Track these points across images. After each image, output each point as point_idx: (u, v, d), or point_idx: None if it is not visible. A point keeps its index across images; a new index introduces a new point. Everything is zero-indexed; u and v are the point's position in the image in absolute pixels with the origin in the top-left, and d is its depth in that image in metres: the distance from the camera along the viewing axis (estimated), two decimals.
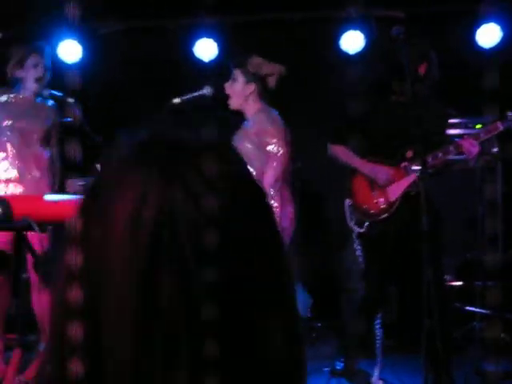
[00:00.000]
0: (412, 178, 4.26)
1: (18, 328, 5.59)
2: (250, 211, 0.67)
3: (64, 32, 5.95)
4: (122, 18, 6.33)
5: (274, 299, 0.65)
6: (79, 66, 6.00)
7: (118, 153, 0.69)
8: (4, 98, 4.73)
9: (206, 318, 0.59)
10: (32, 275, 4.61)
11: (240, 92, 4.41)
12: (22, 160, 4.65)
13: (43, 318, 4.70)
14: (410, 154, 4.27)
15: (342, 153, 4.52)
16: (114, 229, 0.63)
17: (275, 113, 4.39)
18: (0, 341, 4.74)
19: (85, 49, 6.08)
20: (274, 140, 4.25)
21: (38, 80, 4.66)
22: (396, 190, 4.32)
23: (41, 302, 4.68)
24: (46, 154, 4.77)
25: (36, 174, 4.67)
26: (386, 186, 4.35)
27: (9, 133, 4.66)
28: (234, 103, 4.46)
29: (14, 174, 4.65)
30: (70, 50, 5.98)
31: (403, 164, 4.33)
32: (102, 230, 0.64)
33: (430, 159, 4.10)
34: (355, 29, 5.90)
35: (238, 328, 0.62)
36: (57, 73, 4.96)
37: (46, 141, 4.76)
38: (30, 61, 4.65)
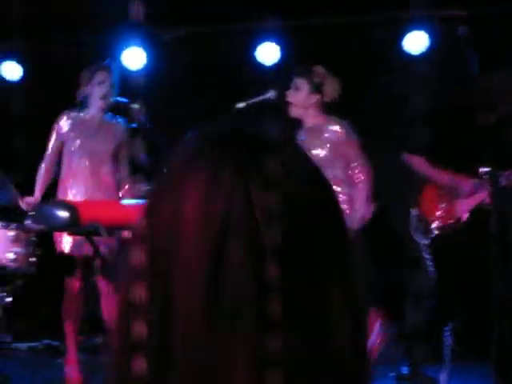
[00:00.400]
0: (484, 194, 4.18)
1: (85, 330, 5.73)
2: (318, 205, 0.68)
3: (128, 39, 6.05)
4: (184, 24, 6.39)
5: (336, 269, 0.67)
6: (144, 72, 6.10)
7: (189, 143, 0.71)
8: (73, 118, 4.76)
9: (271, 279, 0.61)
10: (100, 279, 4.68)
11: (303, 101, 4.44)
12: (93, 182, 4.69)
13: (111, 321, 4.77)
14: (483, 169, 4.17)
15: (419, 163, 4.50)
16: (186, 210, 0.64)
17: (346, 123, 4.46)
18: (73, 348, 4.78)
19: (149, 55, 6.16)
20: (355, 151, 4.35)
21: (103, 97, 4.68)
22: (465, 205, 4.28)
23: (109, 305, 4.74)
24: (114, 174, 4.79)
25: (106, 195, 4.70)
26: (461, 198, 4.31)
27: (78, 154, 4.70)
28: (295, 112, 4.49)
29: (81, 195, 4.69)
30: (134, 57, 6.08)
31: (477, 178, 4.25)
32: (173, 213, 0.65)
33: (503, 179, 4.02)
34: (419, 29, 5.83)
35: (302, 290, 0.64)
36: (122, 79, 5.03)
37: (114, 159, 4.80)
38: (97, 78, 4.67)
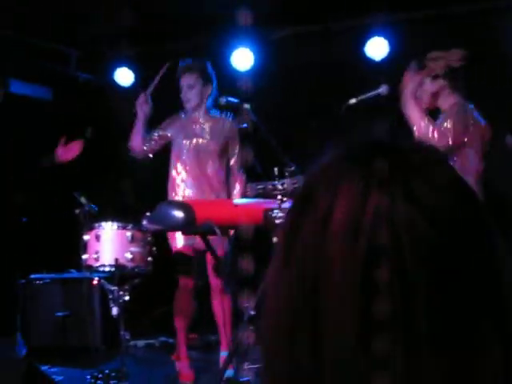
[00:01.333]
0: None
1: (199, 328, 5.82)
2: (467, 219, 0.65)
3: (237, 40, 6.11)
4: (291, 23, 6.38)
5: (487, 302, 0.63)
6: (252, 72, 6.13)
7: (335, 154, 0.70)
8: (179, 117, 4.87)
9: (417, 300, 0.60)
10: (212, 278, 4.74)
11: (429, 90, 4.27)
12: (199, 180, 4.77)
13: (224, 320, 4.82)
14: None
15: None
16: (332, 227, 0.63)
17: (470, 106, 4.19)
18: (184, 344, 4.88)
19: (256, 55, 6.20)
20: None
21: (186, 101, 4.77)
22: None
23: (221, 304, 4.79)
24: (221, 170, 4.84)
25: (211, 195, 4.77)
26: None
27: (185, 151, 4.78)
28: (426, 103, 4.33)
29: (190, 194, 4.77)
30: (242, 58, 6.13)
31: None
32: (319, 228, 0.64)
33: None
34: None
35: (452, 314, 0.61)
36: (230, 80, 5.07)
37: (222, 155, 4.85)
38: (181, 81, 4.75)
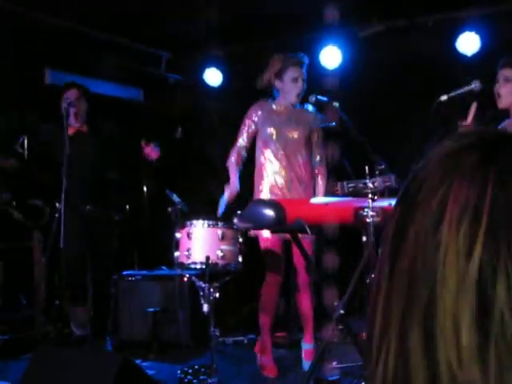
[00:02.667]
0: None
1: (287, 327, 5.83)
2: None
3: (324, 38, 6.09)
4: (380, 20, 6.31)
5: None
6: (340, 70, 6.10)
7: (447, 147, 0.67)
8: (264, 109, 4.85)
9: None
10: (300, 275, 4.75)
11: None
12: (289, 169, 4.77)
13: (308, 318, 4.82)
14: None
15: None
16: (448, 217, 0.61)
17: None
18: (268, 339, 4.91)
19: (344, 53, 6.16)
20: None
21: (297, 96, 4.73)
22: None
23: (307, 302, 4.79)
24: (308, 161, 4.84)
25: (302, 182, 4.77)
26: None
27: (273, 142, 4.78)
28: (504, 103, 4.22)
29: (281, 182, 4.77)
30: (330, 56, 6.11)
31: None
32: (433, 220, 0.62)
33: None
34: None
35: None
36: (318, 78, 5.04)
37: (308, 146, 4.85)
38: (290, 73, 4.70)
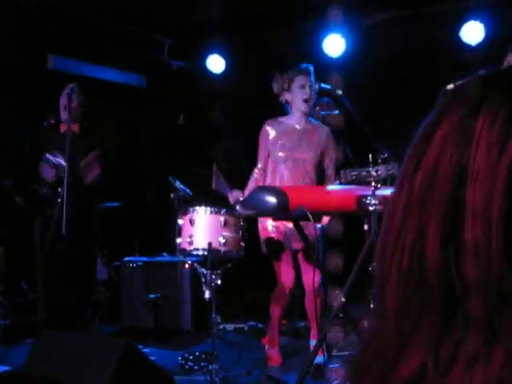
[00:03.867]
0: None
1: (289, 315, 5.84)
2: None
3: (328, 27, 6.07)
4: (384, 8, 6.28)
5: None
6: (343, 58, 6.08)
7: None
8: (277, 126, 4.78)
9: None
10: (305, 276, 4.70)
11: None
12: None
13: (311, 317, 4.81)
14: None
15: None
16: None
17: None
18: (276, 330, 4.92)
19: (348, 42, 6.14)
20: None
21: (306, 100, 4.68)
22: None
23: (310, 304, 4.75)
24: (316, 179, 4.77)
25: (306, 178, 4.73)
26: None
27: (283, 164, 4.73)
28: None
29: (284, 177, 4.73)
30: (334, 44, 6.09)
31: None
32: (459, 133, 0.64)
33: None
34: None
35: None
36: (321, 66, 5.02)
37: (319, 167, 4.79)
38: (297, 82, 4.67)
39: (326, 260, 5.50)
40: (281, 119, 4.81)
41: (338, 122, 4.80)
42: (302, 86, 4.68)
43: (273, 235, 4.65)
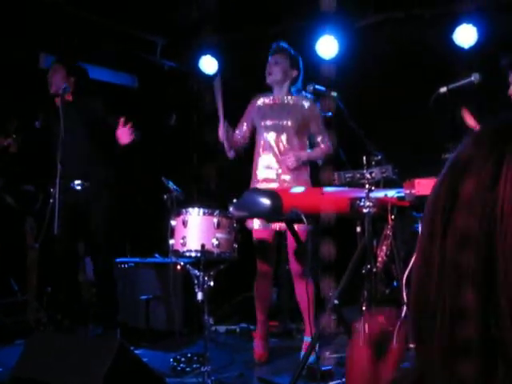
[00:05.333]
0: None
1: (279, 316, 5.84)
2: None
3: (321, 28, 6.07)
4: (377, 10, 6.29)
5: None
6: (336, 60, 6.09)
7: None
8: (260, 101, 4.97)
9: None
10: (293, 264, 4.75)
11: None
12: (276, 158, 4.79)
13: (307, 306, 4.83)
14: None
15: None
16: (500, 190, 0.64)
17: None
18: (264, 327, 4.96)
19: (341, 43, 6.14)
20: None
21: (269, 73, 4.84)
22: None
23: (304, 290, 4.79)
24: (302, 148, 4.85)
25: (293, 171, 4.77)
26: None
27: (265, 133, 4.84)
28: None
29: (271, 173, 4.81)
30: (327, 46, 6.09)
31: None
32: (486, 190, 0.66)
33: None
34: None
35: None
36: (315, 68, 5.03)
37: (302, 135, 4.85)
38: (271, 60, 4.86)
39: (319, 251, 5.55)
40: (266, 94, 4.99)
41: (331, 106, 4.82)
42: (270, 64, 4.87)
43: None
